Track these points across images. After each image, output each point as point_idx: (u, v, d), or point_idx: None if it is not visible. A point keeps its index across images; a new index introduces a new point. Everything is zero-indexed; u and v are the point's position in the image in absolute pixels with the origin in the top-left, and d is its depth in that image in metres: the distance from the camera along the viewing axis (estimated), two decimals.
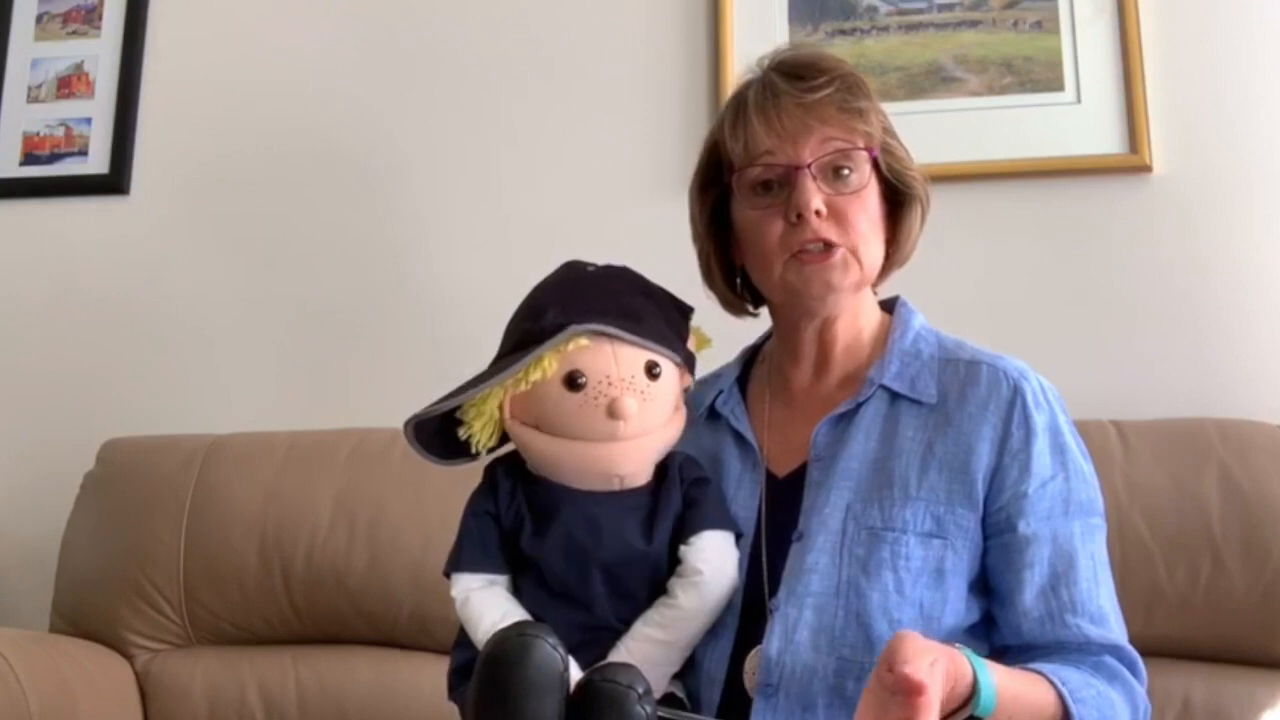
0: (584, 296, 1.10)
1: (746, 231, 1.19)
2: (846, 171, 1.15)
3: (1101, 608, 1.09)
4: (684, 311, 1.17)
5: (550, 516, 1.08)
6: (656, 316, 1.12)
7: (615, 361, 1.07)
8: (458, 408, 1.10)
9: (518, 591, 1.10)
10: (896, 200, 1.21)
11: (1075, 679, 1.03)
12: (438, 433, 1.13)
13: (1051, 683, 1.02)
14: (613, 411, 1.06)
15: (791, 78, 1.16)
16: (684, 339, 1.15)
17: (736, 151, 1.17)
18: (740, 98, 1.19)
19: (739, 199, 1.19)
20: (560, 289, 1.11)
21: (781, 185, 1.15)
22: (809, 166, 1.14)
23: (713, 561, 1.09)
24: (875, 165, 1.17)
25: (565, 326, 1.06)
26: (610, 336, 1.08)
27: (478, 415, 1.09)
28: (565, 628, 0.99)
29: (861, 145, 1.16)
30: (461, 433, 1.10)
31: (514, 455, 1.14)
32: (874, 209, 1.18)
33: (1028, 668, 1.04)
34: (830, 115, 1.15)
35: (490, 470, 1.14)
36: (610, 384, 1.06)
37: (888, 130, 1.20)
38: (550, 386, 1.06)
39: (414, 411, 1.82)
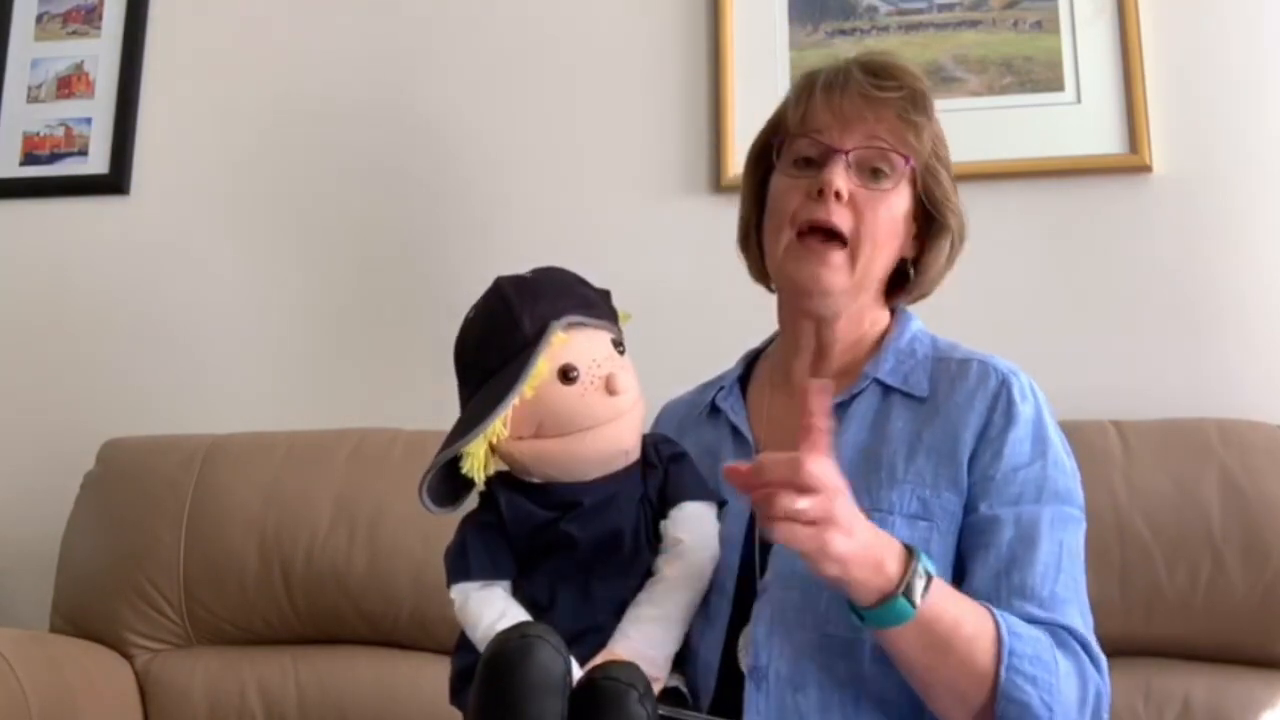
0: (544, 295, 1.12)
1: (773, 198, 1.23)
2: (882, 173, 1.19)
3: (1055, 594, 1.08)
4: (608, 293, 1.19)
5: (571, 506, 1.09)
6: (599, 300, 1.16)
7: (593, 345, 1.11)
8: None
9: (526, 585, 1.11)
10: (929, 228, 1.24)
11: (1016, 621, 1.04)
12: (440, 480, 1.13)
13: (989, 612, 1.03)
14: (611, 388, 1.09)
15: (867, 72, 1.20)
16: (616, 317, 1.18)
17: (794, 120, 1.22)
18: (814, 76, 1.24)
19: (779, 164, 1.23)
20: (520, 296, 1.11)
21: (819, 165, 1.19)
22: (847, 153, 1.18)
23: (693, 530, 1.12)
24: (912, 181, 1.20)
25: (546, 326, 1.08)
26: (580, 324, 1.11)
27: (479, 445, 1.09)
28: (582, 605, 1.06)
29: (903, 153, 1.19)
30: (464, 467, 1.09)
31: (502, 474, 1.14)
32: (896, 215, 1.20)
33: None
34: (888, 117, 1.19)
35: (486, 489, 1.14)
36: (599, 365, 1.10)
37: (938, 155, 1.23)
38: (547, 388, 1.08)
39: (412, 413, 1.82)
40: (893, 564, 0.99)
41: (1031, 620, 1.06)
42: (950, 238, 1.25)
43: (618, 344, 1.14)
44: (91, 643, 1.76)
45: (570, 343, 1.09)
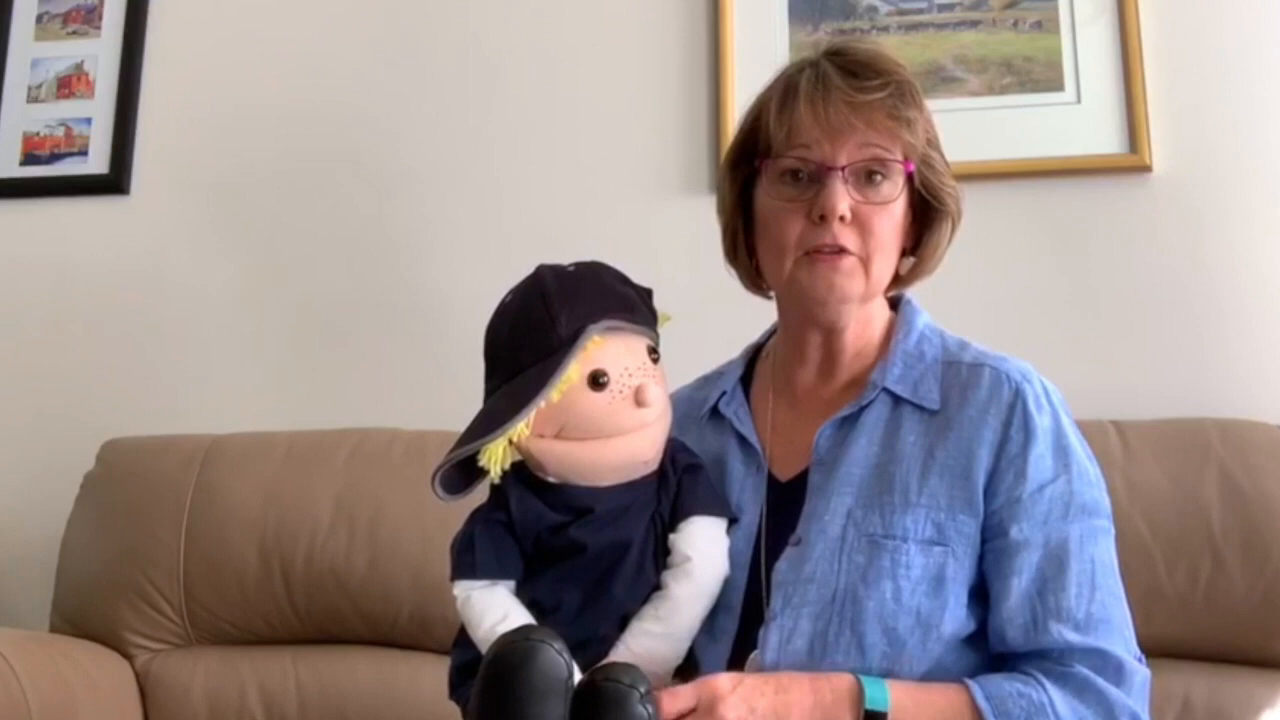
0: (584, 295, 1.09)
1: (765, 220, 1.18)
2: (879, 179, 1.14)
3: (1091, 614, 1.07)
4: (650, 292, 1.17)
5: (583, 512, 1.08)
6: (639, 302, 1.14)
7: (628, 352, 1.09)
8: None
9: (530, 587, 1.10)
10: (927, 214, 1.20)
11: (1005, 689, 1.03)
12: (452, 466, 1.11)
13: (969, 692, 1.02)
14: (640, 399, 1.07)
15: (846, 74, 1.14)
16: (655, 318, 1.16)
17: (778, 137, 1.15)
18: (791, 82, 1.17)
19: (765, 183, 1.18)
20: (560, 293, 1.09)
21: (811, 180, 1.14)
22: (842, 169, 1.12)
23: (701, 547, 1.09)
24: (909, 178, 1.16)
25: (582, 330, 1.06)
26: (618, 329, 1.09)
27: (499, 443, 1.07)
28: (585, 613, 1.04)
29: (899, 157, 1.14)
30: (481, 460, 1.07)
31: (517, 467, 1.12)
32: (898, 221, 1.16)
33: (960, 681, 1.05)
34: (877, 119, 1.13)
35: (498, 483, 1.12)
36: (630, 375, 1.08)
37: (931, 141, 1.18)
38: (575, 392, 1.06)
39: (412, 413, 1.80)
40: (845, 715, 1.00)
41: (1069, 647, 1.05)
42: (950, 221, 1.21)
43: (653, 351, 1.12)
44: (91, 643, 1.76)
45: (605, 347, 1.07)
